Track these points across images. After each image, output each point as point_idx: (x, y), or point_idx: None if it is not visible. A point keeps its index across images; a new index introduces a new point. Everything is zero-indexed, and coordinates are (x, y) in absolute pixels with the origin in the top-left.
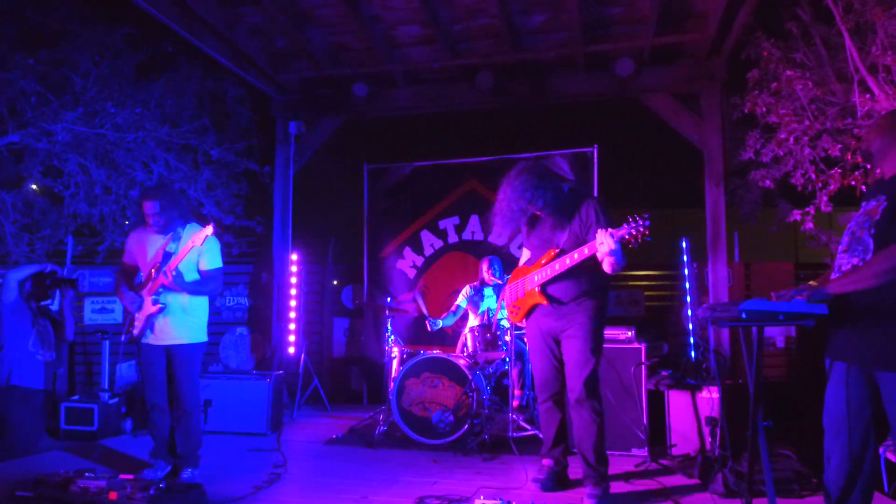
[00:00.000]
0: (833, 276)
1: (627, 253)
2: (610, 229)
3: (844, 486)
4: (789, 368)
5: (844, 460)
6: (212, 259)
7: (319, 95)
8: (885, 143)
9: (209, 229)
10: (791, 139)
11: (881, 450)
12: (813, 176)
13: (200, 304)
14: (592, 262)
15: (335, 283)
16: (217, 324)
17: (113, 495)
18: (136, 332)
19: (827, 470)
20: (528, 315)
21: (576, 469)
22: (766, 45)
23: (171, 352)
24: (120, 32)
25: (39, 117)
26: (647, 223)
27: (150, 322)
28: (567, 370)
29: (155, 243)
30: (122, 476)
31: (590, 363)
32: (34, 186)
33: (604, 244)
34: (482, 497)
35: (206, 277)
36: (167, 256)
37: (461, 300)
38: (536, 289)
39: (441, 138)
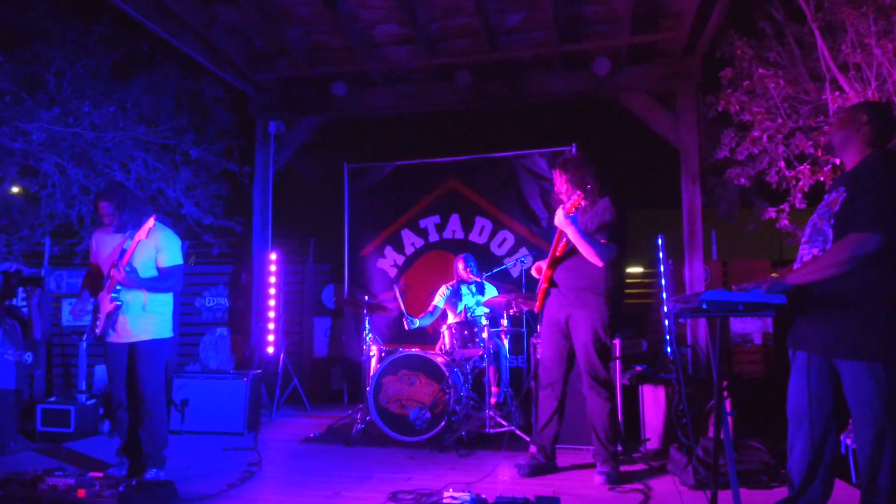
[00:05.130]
0: (795, 266)
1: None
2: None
3: (806, 474)
4: (766, 365)
5: (806, 449)
6: (171, 256)
7: (299, 95)
8: (845, 136)
9: (151, 221)
10: (765, 137)
11: (849, 441)
12: (787, 173)
13: (163, 301)
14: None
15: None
16: (197, 324)
17: (81, 493)
18: (98, 331)
19: (790, 459)
20: (544, 302)
21: (565, 458)
22: (739, 43)
23: (133, 349)
24: (96, 31)
25: (13, 116)
26: (581, 194)
27: (111, 320)
28: (577, 359)
29: (113, 241)
30: (91, 474)
31: (591, 355)
32: (16, 189)
33: (557, 217)
34: (451, 489)
35: (164, 274)
36: (123, 253)
37: (438, 300)
38: (545, 274)
39: (421, 138)
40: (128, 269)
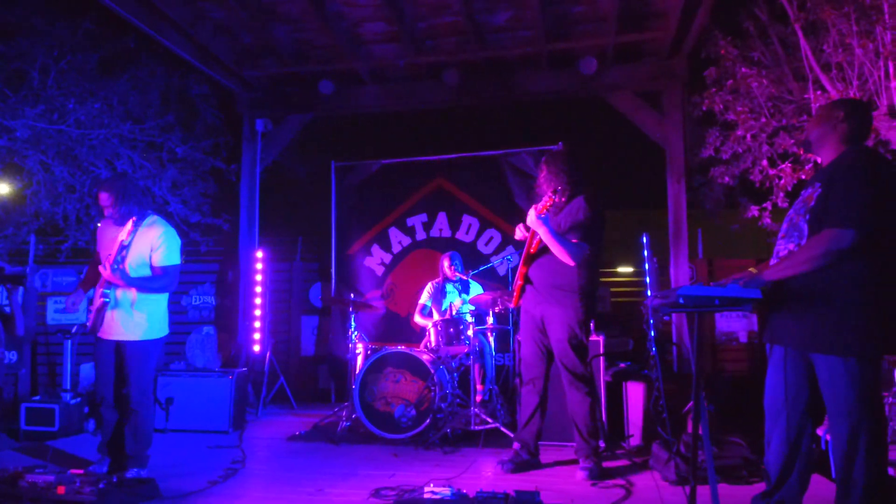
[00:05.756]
0: (772, 262)
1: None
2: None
3: (783, 468)
4: (751, 363)
5: (783, 443)
6: (166, 255)
7: (286, 93)
8: (822, 132)
9: (129, 224)
10: (748, 136)
11: (829, 436)
12: (771, 172)
13: (154, 301)
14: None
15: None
16: (183, 323)
17: (61, 489)
18: (89, 324)
19: (767, 453)
20: (520, 299)
21: (549, 455)
22: (724, 43)
23: (120, 347)
24: (81, 28)
25: None
26: (551, 193)
27: (101, 315)
28: (555, 356)
29: (112, 234)
30: (71, 471)
31: (568, 352)
32: (1, 187)
33: (529, 216)
34: (432, 485)
35: (157, 274)
36: (121, 248)
37: (425, 299)
38: (520, 270)
39: (408, 136)
40: (115, 266)
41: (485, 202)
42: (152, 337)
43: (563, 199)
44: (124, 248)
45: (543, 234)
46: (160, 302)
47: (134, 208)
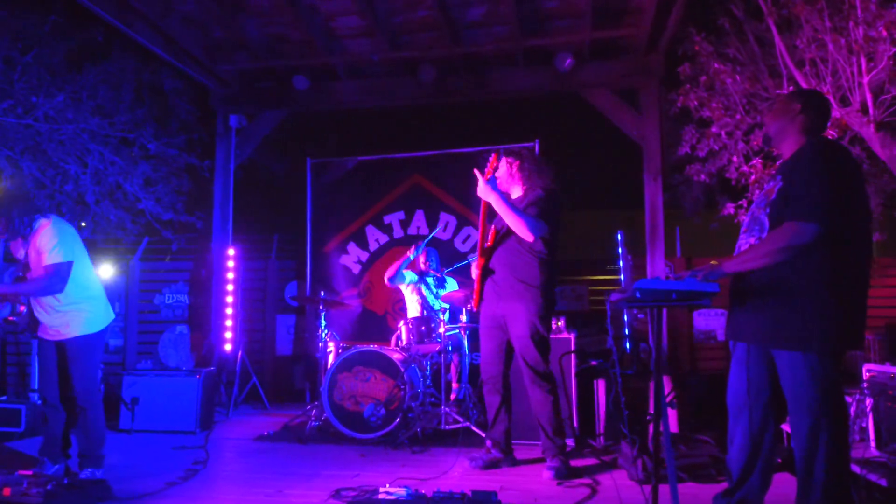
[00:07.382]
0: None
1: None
2: None
3: (745, 466)
4: (729, 361)
5: (745, 441)
6: (49, 255)
7: (260, 88)
8: (781, 125)
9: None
10: (723, 133)
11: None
12: (744, 168)
13: (82, 297)
14: (524, 249)
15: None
16: (156, 322)
17: (7, 491)
18: (21, 325)
19: (729, 450)
20: (481, 297)
21: (519, 453)
22: (698, 39)
23: (60, 347)
24: (48, 20)
25: None
26: (495, 156)
27: (33, 318)
28: (516, 353)
29: (19, 249)
30: (19, 472)
31: (530, 348)
32: None
33: (479, 188)
34: (387, 485)
35: (37, 275)
36: (20, 267)
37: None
38: (478, 262)
39: (385, 132)
40: None
41: (462, 200)
42: (94, 330)
43: (525, 188)
44: (22, 264)
45: (495, 201)
46: (92, 296)
47: (23, 217)
